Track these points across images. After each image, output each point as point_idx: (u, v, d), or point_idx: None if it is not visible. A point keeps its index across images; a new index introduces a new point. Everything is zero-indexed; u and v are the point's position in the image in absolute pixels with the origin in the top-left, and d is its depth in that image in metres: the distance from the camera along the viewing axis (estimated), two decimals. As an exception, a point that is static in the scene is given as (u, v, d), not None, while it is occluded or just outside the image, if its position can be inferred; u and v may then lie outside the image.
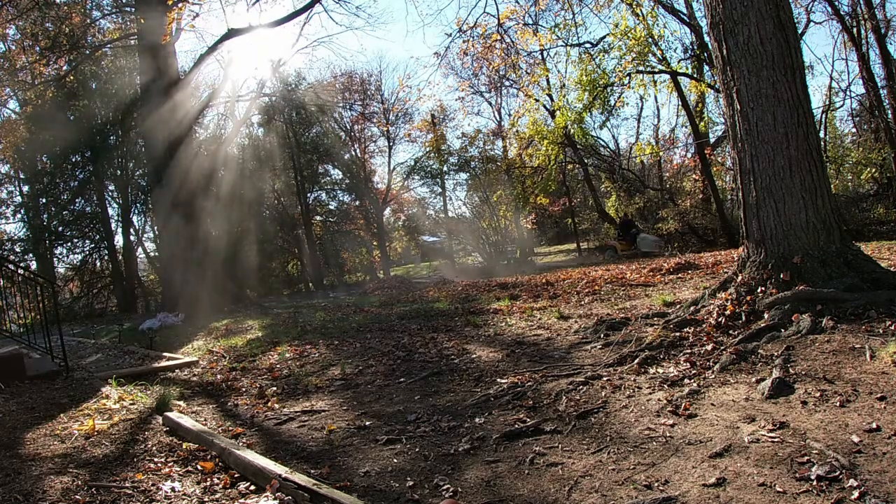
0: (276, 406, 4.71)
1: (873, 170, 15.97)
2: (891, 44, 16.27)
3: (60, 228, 21.39)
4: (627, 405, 3.55)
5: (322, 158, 27.13)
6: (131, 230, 22.48)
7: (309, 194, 26.63)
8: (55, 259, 21.96)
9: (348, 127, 28.97)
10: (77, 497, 2.78)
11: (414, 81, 37.09)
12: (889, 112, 16.03)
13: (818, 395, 3.17)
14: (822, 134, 15.40)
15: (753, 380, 3.58)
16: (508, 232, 28.05)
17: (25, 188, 21.27)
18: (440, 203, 30.63)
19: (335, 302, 14.21)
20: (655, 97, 26.82)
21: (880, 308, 4.12)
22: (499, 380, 4.62)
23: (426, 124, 28.60)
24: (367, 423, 3.98)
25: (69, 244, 21.78)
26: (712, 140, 20.55)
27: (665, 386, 3.77)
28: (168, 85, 13.65)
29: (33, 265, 20.26)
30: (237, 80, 21.62)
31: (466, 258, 29.73)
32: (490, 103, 29.43)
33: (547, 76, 21.74)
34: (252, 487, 2.99)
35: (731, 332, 4.49)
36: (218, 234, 16.75)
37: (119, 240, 22.29)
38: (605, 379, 4.06)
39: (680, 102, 21.09)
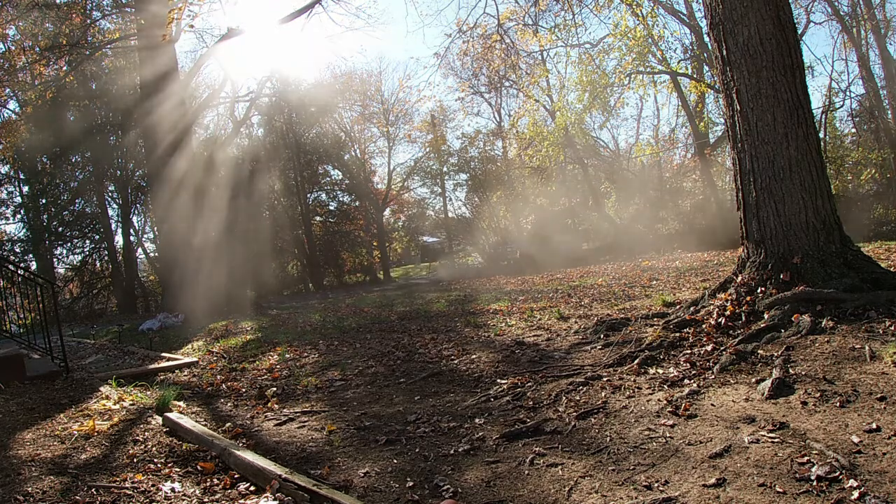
0: (276, 407, 4.71)
1: (873, 170, 15.96)
2: (891, 44, 16.29)
3: (60, 229, 21.37)
4: (627, 406, 3.55)
5: (322, 159, 27.11)
6: (131, 230, 22.47)
7: (309, 195, 26.60)
8: (55, 259, 21.94)
9: (348, 127, 28.96)
10: (77, 497, 2.78)
11: (414, 82, 36.98)
12: (889, 112, 16.04)
13: (818, 395, 3.16)
14: (822, 134, 15.39)
15: (753, 380, 3.58)
16: (508, 232, 28.04)
17: (25, 188, 21.25)
18: (440, 203, 30.61)
19: (335, 302, 14.21)
20: (655, 97, 26.79)
21: (880, 308, 4.12)
22: (499, 380, 4.62)
23: (426, 125, 28.59)
24: (367, 424, 3.98)
25: (69, 244, 21.75)
26: (712, 140, 20.55)
27: (665, 386, 3.77)
28: (168, 85, 13.64)
29: (33, 265, 20.24)
30: (237, 81, 21.64)
31: (466, 259, 29.73)
32: (490, 104, 29.38)
33: (547, 77, 21.73)
34: (252, 488, 2.99)
35: (730, 332, 4.49)
36: (218, 235, 16.74)
37: (119, 240, 22.28)
38: (604, 379, 4.06)
39: (680, 103, 21.10)
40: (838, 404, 3.03)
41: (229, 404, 4.97)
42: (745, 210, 5.09)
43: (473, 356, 5.61)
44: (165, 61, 13.69)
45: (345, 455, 3.46)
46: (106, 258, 22.22)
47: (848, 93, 17.10)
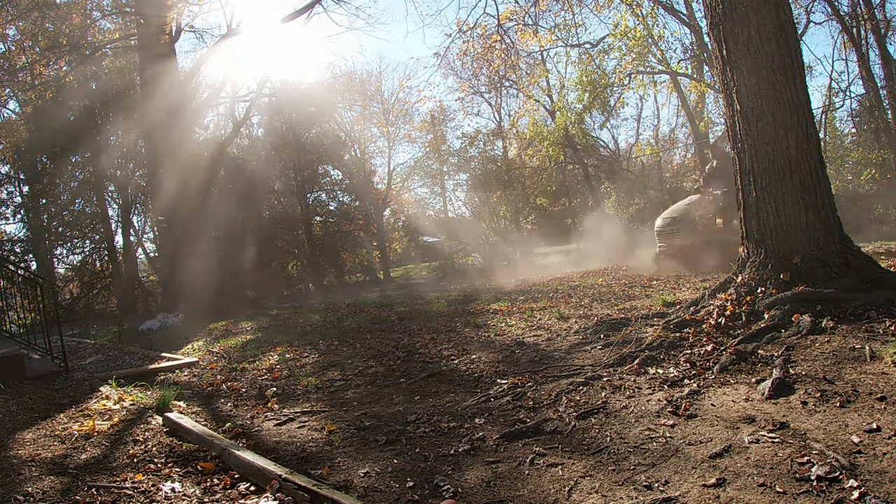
0: (276, 407, 4.71)
1: (873, 170, 15.96)
2: (891, 44, 16.26)
3: (60, 229, 21.36)
4: (627, 406, 3.55)
5: (322, 159, 27.09)
6: (131, 230, 22.45)
7: (309, 195, 26.58)
8: (55, 259, 21.94)
9: (348, 127, 28.94)
10: (77, 497, 2.78)
11: (414, 82, 37.01)
12: (889, 112, 16.03)
13: (818, 395, 3.17)
14: (822, 134, 15.41)
15: (753, 380, 3.58)
16: (508, 232, 28.04)
17: (25, 188, 21.24)
18: (440, 203, 30.63)
19: (335, 302, 14.21)
20: (655, 97, 26.77)
21: (880, 308, 4.12)
22: (499, 380, 4.63)
23: (426, 125, 28.60)
24: (367, 424, 3.98)
25: (69, 244, 21.74)
26: (712, 140, 20.55)
27: (665, 386, 3.77)
28: (168, 85, 13.64)
29: (33, 265, 20.24)
30: (237, 81, 21.64)
31: (466, 259, 29.71)
32: (490, 104, 29.39)
33: (547, 77, 21.75)
34: (252, 488, 2.99)
35: (730, 332, 4.49)
36: (218, 235, 16.74)
37: (119, 240, 22.27)
38: (605, 379, 4.06)
39: (680, 103, 21.12)
40: (838, 404, 3.03)
41: (229, 404, 4.97)
42: (745, 210, 5.09)
43: (473, 356, 5.61)
44: (165, 61, 13.69)
45: (345, 455, 3.46)
46: (106, 258, 22.21)
47: (848, 93, 17.12)
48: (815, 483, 2.33)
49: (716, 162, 10.34)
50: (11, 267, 6.94)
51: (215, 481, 3.12)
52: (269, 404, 4.78)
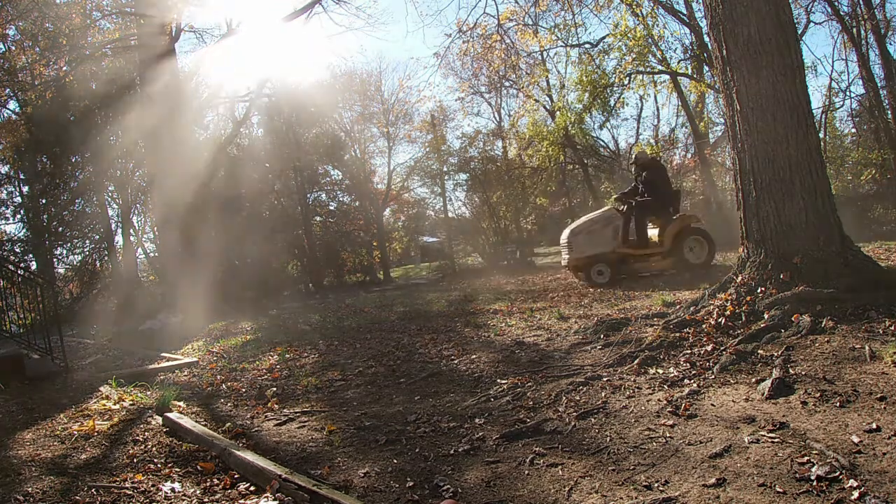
0: (276, 407, 4.71)
1: (873, 170, 15.97)
2: (891, 44, 16.25)
3: (60, 229, 21.36)
4: (627, 406, 3.55)
5: (322, 159, 27.10)
6: (131, 230, 22.46)
7: (309, 195, 26.58)
8: (55, 259, 21.93)
9: (348, 127, 28.93)
10: (77, 497, 2.78)
11: (414, 82, 37.03)
12: (889, 112, 16.03)
13: (818, 395, 3.17)
14: (822, 134, 15.40)
15: (753, 380, 3.58)
16: (508, 232, 28.03)
17: (25, 188, 21.24)
18: (440, 203, 30.59)
19: (335, 302, 14.21)
20: (655, 97, 26.72)
21: (880, 308, 4.13)
22: (499, 380, 4.63)
23: (426, 125, 28.60)
24: (367, 424, 3.98)
25: (69, 244, 21.74)
26: (712, 140, 20.55)
27: (665, 386, 3.77)
28: (168, 85, 13.65)
29: (33, 265, 20.24)
30: (237, 81, 21.70)
31: (466, 258, 29.72)
32: (490, 104, 29.40)
33: (547, 77, 21.77)
34: (252, 488, 2.99)
35: (730, 332, 4.49)
36: (217, 235, 16.74)
37: (119, 240, 22.27)
38: (604, 379, 4.06)
39: (680, 103, 21.08)
40: (838, 404, 3.03)
41: (229, 404, 4.97)
42: (745, 210, 5.09)
43: (473, 356, 5.61)
44: (165, 61, 13.70)
45: (345, 455, 3.46)
46: (106, 258, 22.21)
47: (848, 93, 17.11)
48: (815, 483, 2.33)
49: (644, 174, 9.64)
50: (11, 267, 6.94)
51: (215, 481, 3.12)
52: (269, 404, 4.78)
